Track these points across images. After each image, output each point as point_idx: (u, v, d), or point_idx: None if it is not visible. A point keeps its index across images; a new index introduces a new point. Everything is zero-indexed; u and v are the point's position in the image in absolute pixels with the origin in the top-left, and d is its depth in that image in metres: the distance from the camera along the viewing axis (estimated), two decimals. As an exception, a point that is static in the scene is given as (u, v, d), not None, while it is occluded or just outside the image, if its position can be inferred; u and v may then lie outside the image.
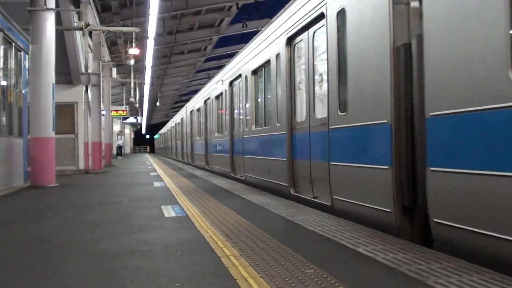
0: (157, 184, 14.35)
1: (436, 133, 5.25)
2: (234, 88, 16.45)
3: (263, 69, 12.57)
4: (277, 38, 10.97)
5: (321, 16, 8.39)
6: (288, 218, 7.33)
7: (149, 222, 7.24)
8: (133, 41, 25.58)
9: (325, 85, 8.33)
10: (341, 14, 7.53)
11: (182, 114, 35.72)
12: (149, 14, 21.53)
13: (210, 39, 38.39)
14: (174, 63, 45.03)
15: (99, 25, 23.92)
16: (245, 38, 25.34)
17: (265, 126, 12.31)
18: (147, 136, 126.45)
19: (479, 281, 3.89)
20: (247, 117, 14.19)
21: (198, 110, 25.39)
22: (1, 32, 13.04)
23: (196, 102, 26.84)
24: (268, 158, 11.65)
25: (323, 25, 8.35)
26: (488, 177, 4.51)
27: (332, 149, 7.85)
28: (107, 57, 28.95)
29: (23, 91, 15.33)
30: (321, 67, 8.76)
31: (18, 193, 12.40)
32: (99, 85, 23.27)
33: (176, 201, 9.80)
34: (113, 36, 29.74)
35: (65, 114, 20.27)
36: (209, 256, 4.98)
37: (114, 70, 32.02)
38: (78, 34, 20.36)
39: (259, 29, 15.61)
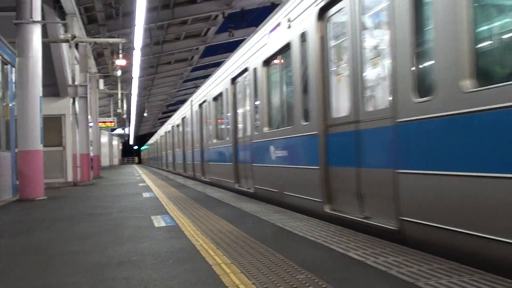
0: (146, 194, 14.32)
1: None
2: (203, 109, 20.45)
3: (219, 97, 16.71)
4: (224, 78, 15.48)
5: (246, 69, 12.68)
6: (278, 224, 7.35)
7: (139, 233, 7.22)
8: (120, 52, 25.66)
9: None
10: (255, 69, 11.80)
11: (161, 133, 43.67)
12: (135, 25, 21.52)
13: (197, 48, 38.45)
14: (161, 73, 45.04)
15: (85, 36, 23.87)
16: (232, 47, 25.38)
17: (221, 139, 16.64)
18: (135, 147, 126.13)
19: (469, 282, 3.92)
20: (210, 132, 18.43)
21: (178, 126, 29.98)
22: (-14, 46, 13.00)
23: (175, 118, 31.68)
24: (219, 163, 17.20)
25: (247, 75, 12.67)
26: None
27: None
28: (94, 69, 28.93)
29: (10, 105, 15.26)
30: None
31: (6, 207, 12.32)
32: (86, 97, 23.18)
33: (165, 211, 9.78)
34: (100, 48, 29.70)
35: (53, 127, 20.15)
36: (200, 264, 4.98)
37: (101, 81, 32.01)
38: (64, 46, 20.30)
39: (245, 37, 15.30)
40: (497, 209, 4.28)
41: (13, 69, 15.12)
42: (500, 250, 4.27)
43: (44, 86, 14.57)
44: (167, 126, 36.56)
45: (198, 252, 5.58)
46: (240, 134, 13.76)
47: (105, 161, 57.55)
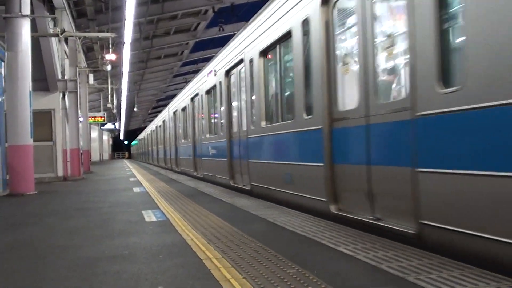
0: (136, 189, 14.31)
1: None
2: (176, 115, 25.63)
3: (184, 109, 22.15)
4: (187, 96, 21.05)
5: (198, 94, 18.50)
6: (269, 219, 7.37)
7: (130, 227, 7.23)
8: (110, 46, 25.49)
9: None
10: (201, 95, 17.66)
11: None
12: (125, 19, 21.47)
13: (187, 43, 38.31)
14: (151, 68, 44.86)
15: (74, 31, 23.74)
16: (222, 42, 25.34)
17: (186, 140, 21.67)
18: (125, 142, 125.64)
19: (459, 277, 3.95)
20: (180, 134, 24.13)
21: (160, 126, 35.82)
22: (-25, 40, 12.90)
23: (158, 120, 37.86)
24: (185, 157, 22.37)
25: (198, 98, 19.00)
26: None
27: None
28: (83, 63, 28.76)
29: (0, 99, 15.16)
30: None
31: (-4, 202, 12.28)
32: (76, 91, 23.03)
33: (156, 206, 9.78)
34: (89, 42, 29.55)
35: (43, 121, 20.03)
36: (191, 258, 5.00)
37: (91, 76, 31.82)
38: (54, 40, 20.18)
39: (235, 32, 16.04)
40: (289, 177, 8.85)
41: (3, 64, 15.02)
42: (292, 197, 8.71)
43: (33, 80, 14.48)
44: (152, 126, 45.48)
45: (189, 246, 5.60)
46: (196, 137, 19.12)
47: (95, 156, 57.38)
